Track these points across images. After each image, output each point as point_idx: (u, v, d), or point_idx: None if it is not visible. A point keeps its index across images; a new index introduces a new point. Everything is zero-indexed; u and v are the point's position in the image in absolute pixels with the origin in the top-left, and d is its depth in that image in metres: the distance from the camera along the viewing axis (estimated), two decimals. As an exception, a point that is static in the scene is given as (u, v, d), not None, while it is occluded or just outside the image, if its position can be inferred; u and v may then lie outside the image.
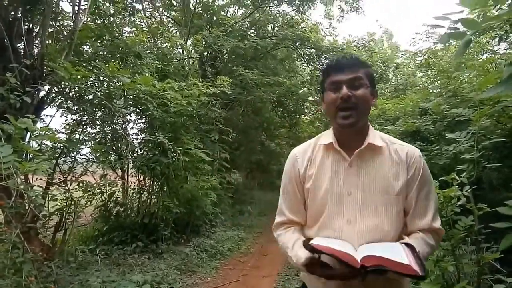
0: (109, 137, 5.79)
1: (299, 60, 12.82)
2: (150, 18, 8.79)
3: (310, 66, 12.46)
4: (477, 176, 2.86)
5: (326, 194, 1.28)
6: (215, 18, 9.86)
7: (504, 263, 2.81)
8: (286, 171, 1.42)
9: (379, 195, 1.24)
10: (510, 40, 3.50)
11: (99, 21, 5.56)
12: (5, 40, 3.67)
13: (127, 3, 7.42)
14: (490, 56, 5.48)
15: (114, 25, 5.77)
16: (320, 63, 11.74)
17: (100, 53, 5.38)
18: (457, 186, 2.45)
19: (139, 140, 5.99)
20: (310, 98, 13.16)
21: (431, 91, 5.73)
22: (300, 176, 1.36)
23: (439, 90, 5.19)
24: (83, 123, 5.12)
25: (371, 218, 1.22)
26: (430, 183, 1.32)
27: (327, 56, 11.41)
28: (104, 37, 5.43)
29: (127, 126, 5.92)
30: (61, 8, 4.72)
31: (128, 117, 5.72)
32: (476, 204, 2.47)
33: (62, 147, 4.43)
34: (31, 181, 3.78)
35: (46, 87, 4.13)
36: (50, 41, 4.39)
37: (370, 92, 1.28)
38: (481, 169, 3.18)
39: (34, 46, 4.11)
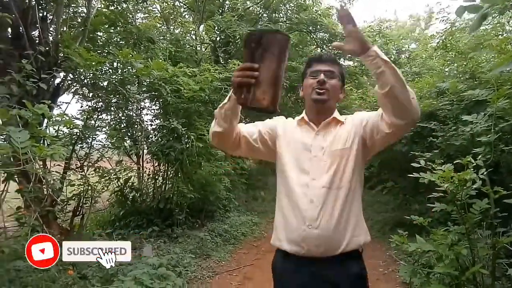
0: (123, 123, 5.85)
1: (312, 45, 12.62)
2: (163, 4, 8.75)
3: (323, 51, 12.27)
4: (495, 159, 2.80)
5: (296, 158, 1.52)
6: (227, 2, 9.75)
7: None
8: (270, 120, 1.68)
9: (338, 150, 1.49)
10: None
11: (112, 7, 5.56)
12: (20, 28, 3.72)
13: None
14: (509, 35, 5.30)
15: (127, 11, 5.77)
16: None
17: (114, 39, 5.40)
18: (472, 169, 2.40)
19: (153, 126, 6.04)
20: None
21: (447, 73, 5.59)
22: (278, 140, 1.60)
23: (456, 72, 5.06)
24: (98, 109, 5.18)
25: (329, 170, 1.46)
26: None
27: (341, 41, 11.17)
28: (117, 23, 5.44)
29: (141, 112, 5.97)
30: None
31: (142, 103, 5.76)
32: (492, 188, 2.42)
33: (78, 133, 4.50)
34: (48, 167, 3.87)
35: (62, 74, 4.19)
36: (64, 28, 4.42)
37: (340, 85, 1.57)
38: (499, 152, 3.11)
39: (49, 34, 4.15)
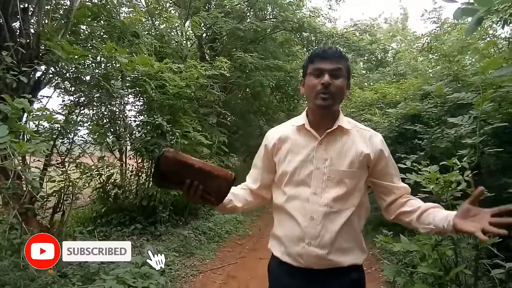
0: (106, 118, 5.74)
1: (298, 44, 12.66)
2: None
3: (309, 51, 12.30)
4: (477, 161, 2.85)
5: (296, 169, 1.42)
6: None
7: (501, 248, 2.84)
8: (261, 149, 1.60)
9: (343, 169, 1.39)
10: (513, 24, 3.45)
11: (95, 0, 5.45)
12: (0, 19, 3.60)
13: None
14: (492, 39, 5.41)
15: (111, 5, 5.66)
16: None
17: (97, 33, 5.29)
18: (458, 171, 2.44)
19: (137, 122, 5.95)
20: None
21: (431, 75, 5.68)
22: (274, 153, 1.51)
23: (440, 74, 5.15)
24: (80, 104, 5.06)
25: (334, 189, 1.38)
26: (393, 161, 1.51)
27: (326, 41, 11.29)
28: (101, 17, 5.33)
29: (125, 108, 5.88)
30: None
31: (126, 98, 5.67)
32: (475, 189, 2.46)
33: (59, 128, 4.39)
34: (28, 162, 3.76)
35: (43, 67, 4.07)
36: (46, 20, 4.30)
37: (346, 83, 1.43)
38: (480, 154, 3.17)
39: (30, 25, 4.03)
